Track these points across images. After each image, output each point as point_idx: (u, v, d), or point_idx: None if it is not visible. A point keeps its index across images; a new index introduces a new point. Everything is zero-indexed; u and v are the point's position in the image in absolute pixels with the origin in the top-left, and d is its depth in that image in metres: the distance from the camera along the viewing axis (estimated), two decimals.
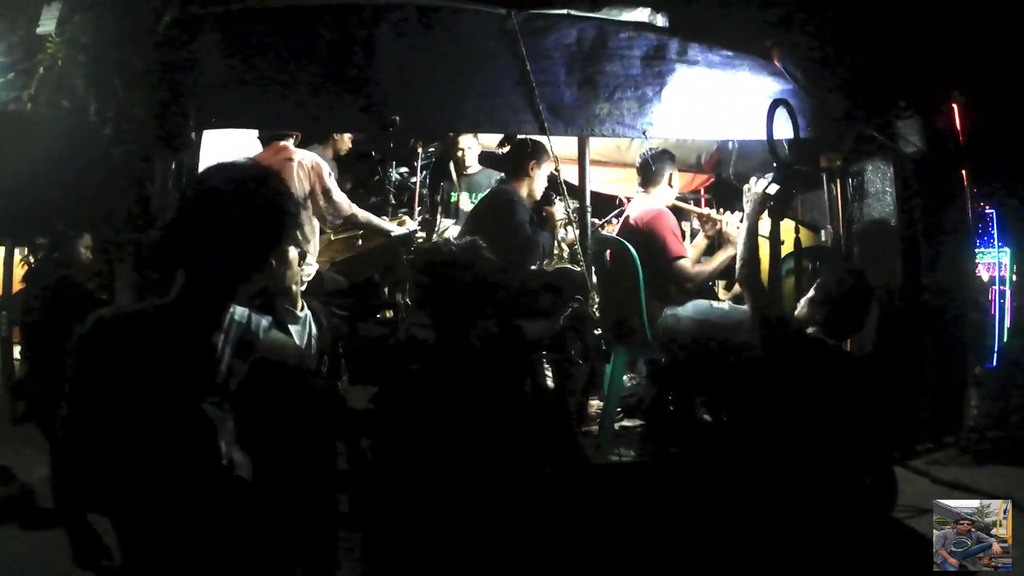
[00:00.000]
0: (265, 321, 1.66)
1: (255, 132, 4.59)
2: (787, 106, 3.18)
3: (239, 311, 1.64)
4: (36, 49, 4.19)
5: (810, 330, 2.72)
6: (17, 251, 5.51)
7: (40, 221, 4.54)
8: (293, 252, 2.95)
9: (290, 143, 4.27)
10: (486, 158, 5.35)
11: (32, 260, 4.74)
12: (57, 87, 4.16)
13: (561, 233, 4.79)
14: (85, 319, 1.60)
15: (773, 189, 3.05)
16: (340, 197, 4.21)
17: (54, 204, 4.22)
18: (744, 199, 3.15)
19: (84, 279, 4.04)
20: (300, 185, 4.08)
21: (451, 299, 2.27)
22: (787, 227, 3.47)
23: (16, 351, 5.08)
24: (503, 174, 4.72)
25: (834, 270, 2.90)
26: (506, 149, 5.01)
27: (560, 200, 4.50)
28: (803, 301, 2.80)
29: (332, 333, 3.36)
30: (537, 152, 4.23)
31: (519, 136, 4.59)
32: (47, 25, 4.10)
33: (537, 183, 4.27)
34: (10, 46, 4.37)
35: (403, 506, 2.26)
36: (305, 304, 2.99)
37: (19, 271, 5.38)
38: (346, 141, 4.76)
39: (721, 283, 4.62)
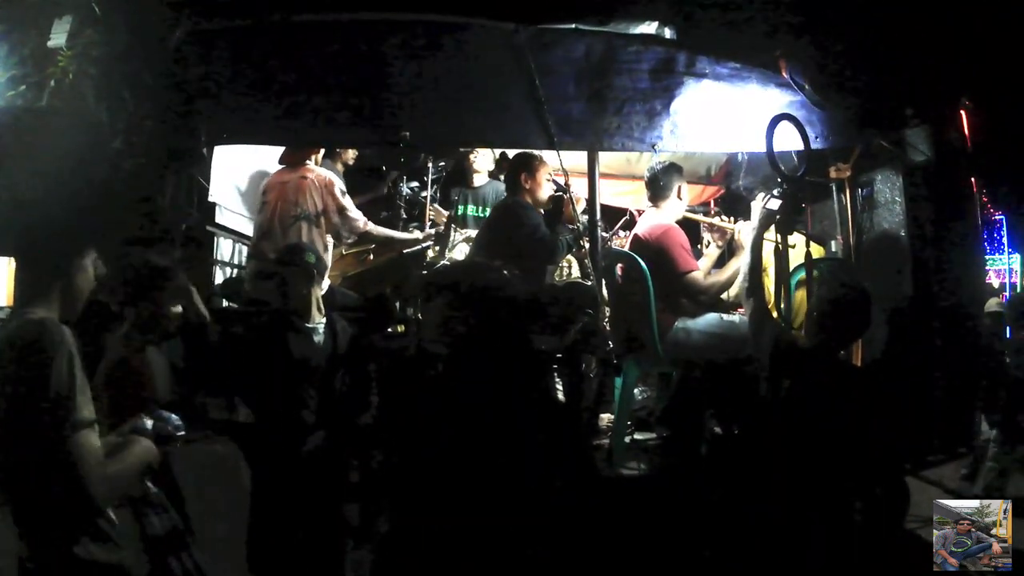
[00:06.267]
0: None
1: (276, 151, 4.62)
2: (792, 120, 3.17)
3: None
4: (47, 62, 4.20)
5: (809, 340, 2.72)
6: None
7: (48, 235, 4.56)
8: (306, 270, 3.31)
9: (309, 163, 4.32)
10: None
11: None
12: (68, 100, 4.17)
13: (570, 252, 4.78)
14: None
15: (775, 204, 3.05)
16: (355, 214, 4.25)
17: (63, 218, 4.23)
18: (751, 214, 3.16)
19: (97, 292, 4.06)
20: (313, 203, 4.14)
21: (466, 316, 2.28)
22: (798, 239, 3.47)
23: None
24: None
25: (840, 280, 2.88)
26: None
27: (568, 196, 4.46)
28: (805, 312, 2.80)
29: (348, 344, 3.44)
30: (524, 162, 4.23)
31: (502, 151, 4.60)
32: (58, 38, 4.11)
33: (539, 190, 4.24)
34: (21, 59, 4.38)
35: (415, 517, 2.28)
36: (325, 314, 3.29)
37: None
38: (350, 154, 4.80)
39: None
